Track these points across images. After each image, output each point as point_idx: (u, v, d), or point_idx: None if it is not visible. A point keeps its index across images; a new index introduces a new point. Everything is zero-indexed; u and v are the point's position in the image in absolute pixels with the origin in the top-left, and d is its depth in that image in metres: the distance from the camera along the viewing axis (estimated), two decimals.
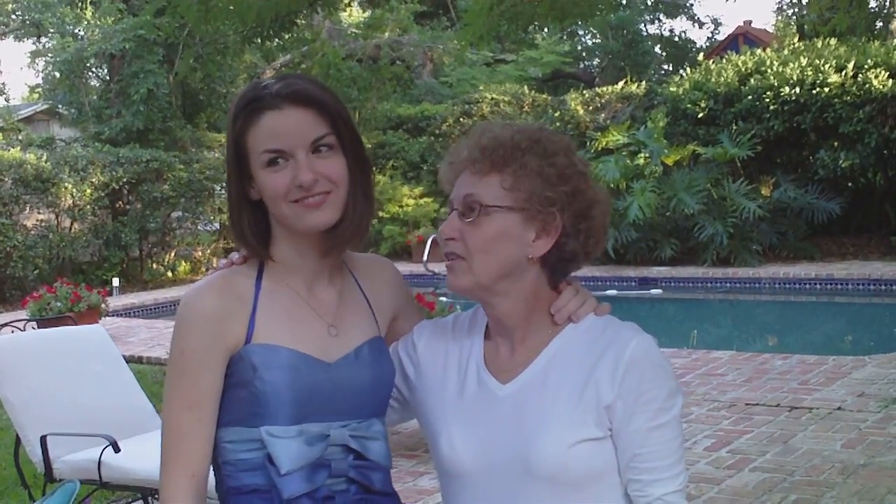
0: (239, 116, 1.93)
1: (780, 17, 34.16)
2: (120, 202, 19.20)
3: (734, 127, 16.75)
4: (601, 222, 1.95)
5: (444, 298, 7.12)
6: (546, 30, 29.56)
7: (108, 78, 22.20)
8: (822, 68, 16.19)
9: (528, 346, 1.95)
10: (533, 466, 1.85)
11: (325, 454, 1.91)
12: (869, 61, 15.96)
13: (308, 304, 1.99)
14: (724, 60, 18.38)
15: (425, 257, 14.75)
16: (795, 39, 19.63)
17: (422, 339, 2.09)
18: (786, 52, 17.89)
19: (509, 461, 1.88)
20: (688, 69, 20.49)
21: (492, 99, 22.17)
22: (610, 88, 20.50)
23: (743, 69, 17.37)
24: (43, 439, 5.03)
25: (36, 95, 34.88)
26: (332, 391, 1.93)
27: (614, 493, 1.88)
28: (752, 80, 16.92)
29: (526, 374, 1.93)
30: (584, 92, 21.17)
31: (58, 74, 22.91)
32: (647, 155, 16.81)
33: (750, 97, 16.72)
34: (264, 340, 1.92)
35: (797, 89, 16.17)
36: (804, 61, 16.53)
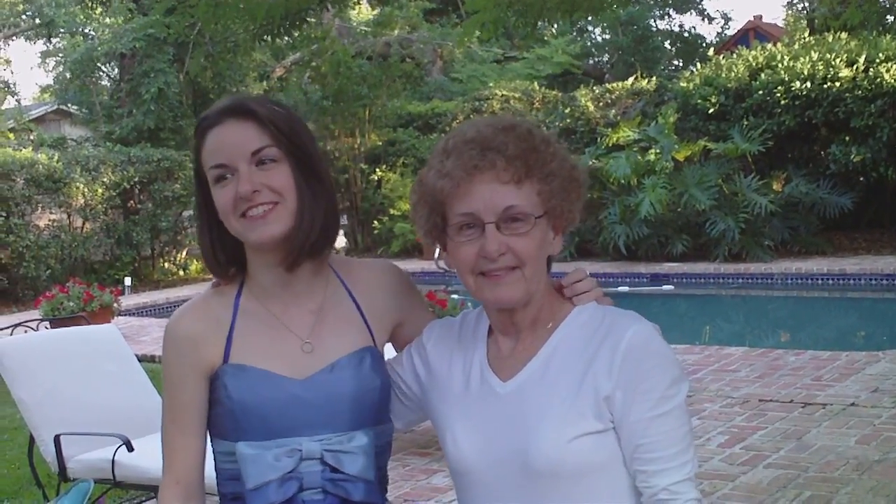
0: (195, 139, 2.01)
1: (790, 12, 34.04)
2: (131, 201, 19.25)
3: (745, 122, 16.70)
4: (582, 203, 1.97)
5: (455, 296, 7.11)
6: (556, 27, 29.54)
7: (118, 77, 22.25)
8: (833, 63, 16.14)
9: (529, 342, 1.95)
10: (533, 463, 1.84)
11: (298, 468, 1.95)
12: (880, 55, 15.89)
13: (281, 321, 2.04)
14: (735, 55, 18.33)
15: (436, 254, 14.79)
16: (806, 34, 19.57)
17: (430, 339, 2.09)
18: (796, 46, 17.83)
19: (510, 458, 1.88)
20: (698, 64, 20.46)
21: (502, 96, 22.15)
22: (620, 84, 20.45)
23: (753, 64, 17.32)
24: (57, 439, 5.04)
25: (47, 95, 35.00)
26: (305, 407, 1.97)
27: (621, 485, 1.87)
28: (762, 75, 16.87)
29: (526, 371, 1.93)
30: (595, 88, 21.12)
31: (68, 74, 22.98)
32: (657, 151, 16.77)
33: (761, 92, 16.67)
34: (237, 360, 2.00)
35: (808, 84, 16.11)
36: (815, 56, 16.47)
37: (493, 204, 1.84)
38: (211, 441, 2.05)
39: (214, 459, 2.05)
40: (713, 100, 17.20)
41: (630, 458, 1.85)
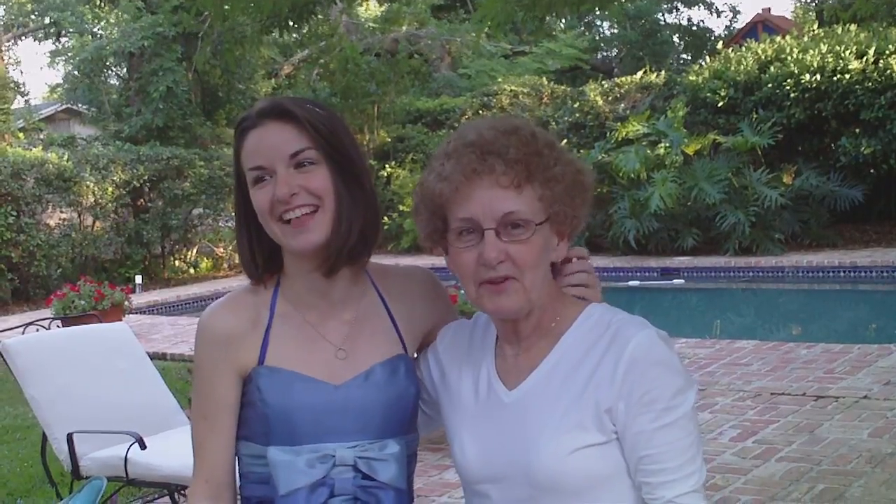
0: (235, 140, 1.98)
1: (798, 4, 33.99)
2: (141, 200, 19.28)
3: (755, 115, 16.66)
4: (588, 206, 1.92)
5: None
6: (564, 21, 29.46)
7: (127, 76, 22.29)
8: (842, 55, 16.09)
9: (535, 350, 1.91)
10: (533, 475, 1.81)
11: (329, 474, 1.93)
12: (890, 47, 15.83)
13: (317, 329, 2.01)
14: (744, 48, 18.28)
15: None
16: (815, 26, 19.49)
17: (443, 341, 2.07)
18: (805, 38, 17.79)
19: (512, 469, 1.85)
20: (707, 58, 20.39)
21: (510, 91, 22.12)
22: (629, 78, 20.42)
23: (762, 57, 17.28)
24: (69, 437, 5.06)
25: (56, 95, 35.06)
26: (339, 413, 1.95)
27: (627, 497, 1.82)
28: (771, 68, 16.83)
29: (531, 380, 1.89)
30: (604, 82, 21.10)
31: (77, 73, 23.02)
32: (667, 145, 16.74)
33: (770, 85, 16.63)
34: (273, 363, 1.97)
35: (818, 76, 16.07)
36: (824, 48, 16.43)
37: (492, 209, 1.79)
38: (237, 443, 2.02)
39: (239, 462, 2.03)
40: (722, 93, 17.16)
41: (634, 470, 1.80)
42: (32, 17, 26.72)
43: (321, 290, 2.01)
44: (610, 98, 19.79)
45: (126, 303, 12.02)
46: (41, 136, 24.12)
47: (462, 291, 7.09)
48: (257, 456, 1.97)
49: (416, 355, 2.11)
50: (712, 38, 36.57)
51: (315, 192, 1.91)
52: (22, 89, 27.88)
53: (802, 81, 16.18)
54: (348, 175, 1.95)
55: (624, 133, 17.46)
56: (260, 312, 2.01)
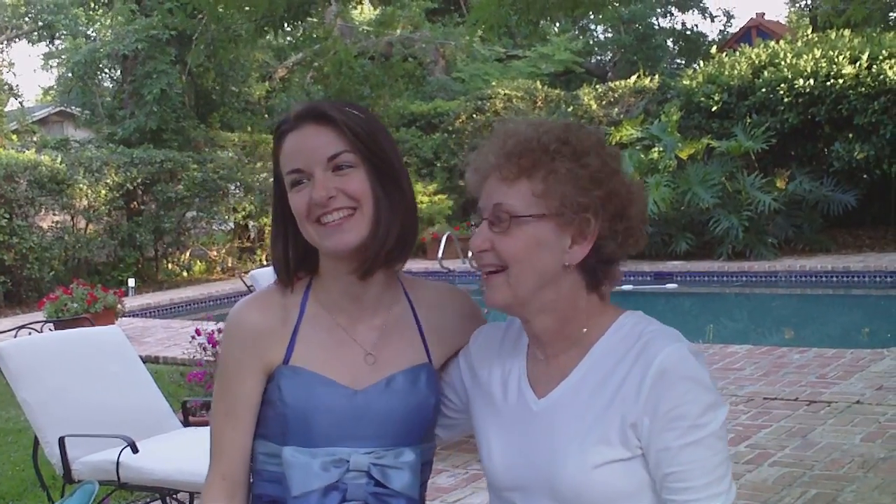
0: (274, 143, 1.98)
1: (792, 9, 34.02)
2: (134, 203, 19.27)
3: (748, 120, 16.70)
4: (639, 220, 1.86)
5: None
6: (558, 25, 29.51)
7: (120, 79, 22.27)
8: (836, 60, 16.12)
9: (564, 358, 1.88)
10: (558, 488, 1.79)
11: (343, 479, 1.92)
12: (883, 52, 15.87)
13: (347, 332, 2.01)
14: (738, 53, 18.31)
15: (440, 254, 14.80)
16: (809, 31, 19.52)
17: (476, 343, 2.05)
18: (799, 43, 17.81)
19: (537, 480, 1.83)
20: (701, 62, 20.43)
21: (504, 94, 22.13)
22: (623, 83, 20.45)
23: (756, 62, 17.31)
24: (61, 440, 5.04)
25: (49, 97, 35.02)
26: (357, 418, 1.95)
27: None
28: (765, 73, 16.86)
29: (559, 389, 1.86)
30: (597, 86, 21.12)
31: (71, 76, 22.99)
32: (661, 149, 16.77)
33: (764, 90, 16.66)
34: (297, 363, 1.97)
35: (811, 81, 16.10)
36: (818, 53, 16.46)
37: (489, 200, 1.83)
38: (254, 440, 2.02)
39: (253, 459, 2.02)
40: (716, 98, 17.19)
41: (660, 486, 1.76)
42: (26, 19, 26.67)
43: (354, 293, 2.00)
44: (604, 102, 19.82)
45: (119, 306, 12.01)
46: (34, 139, 24.06)
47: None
48: (272, 455, 1.97)
49: (440, 367, 2.09)
50: (706, 42, 36.63)
51: (353, 196, 1.90)
52: (15, 92, 27.79)
53: (796, 86, 16.22)
54: (386, 178, 1.95)
55: (618, 137, 17.47)
56: (290, 312, 2.01)
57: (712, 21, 48.24)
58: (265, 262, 19.71)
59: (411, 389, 1.99)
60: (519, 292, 1.82)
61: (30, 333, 9.23)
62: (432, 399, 2.02)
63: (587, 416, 1.80)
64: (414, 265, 15.98)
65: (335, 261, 1.97)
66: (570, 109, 19.69)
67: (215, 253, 20.53)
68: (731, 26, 39.22)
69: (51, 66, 32.63)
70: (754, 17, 32.21)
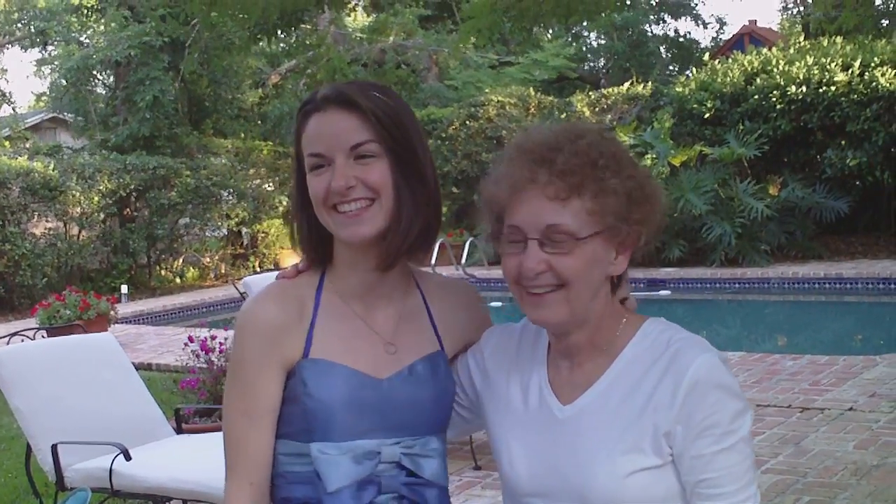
0: (297, 121, 1.94)
1: (785, 16, 34.17)
2: (127, 209, 19.27)
3: (741, 127, 16.71)
4: (662, 222, 1.87)
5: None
6: (551, 32, 29.55)
7: (113, 85, 22.27)
8: (828, 67, 16.16)
9: (590, 366, 1.87)
10: (587, 496, 1.78)
11: (375, 471, 1.89)
12: (875, 59, 15.92)
13: (365, 321, 1.97)
14: (730, 60, 18.35)
15: (463, 260, 14.81)
16: (801, 38, 19.60)
17: (489, 345, 2.03)
18: (792, 51, 17.86)
19: (564, 487, 1.82)
20: (693, 69, 20.47)
21: (497, 101, 22.15)
22: (616, 89, 20.48)
23: (749, 69, 17.34)
24: (54, 448, 5.03)
25: (42, 104, 34.97)
26: (384, 408, 1.91)
27: None
28: (758, 80, 16.90)
29: (587, 397, 1.85)
30: (590, 93, 21.16)
31: (64, 82, 22.98)
32: (653, 156, 16.78)
33: (756, 97, 16.69)
34: (318, 356, 1.91)
35: (804, 88, 16.14)
36: (810, 60, 16.50)
37: (536, 220, 1.76)
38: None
39: (274, 461, 1.94)
40: (709, 104, 17.22)
41: (690, 493, 1.77)
42: (19, 25, 26.65)
43: (370, 282, 1.96)
44: (597, 109, 19.85)
45: (112, 313, 12.01)
46: (27, 145, 24.06)
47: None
48: (297, 454, 1.90)
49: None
50: (699, 49, 36.71)
51: (373, 186, 1.86)
52: (8, 98, 27.79)
53: (788, 93, 16.25)
54: (410, 169, 1.90)
55: None
56: (305, 304, 1.95)
57: (705, 28, 48.41)
58: (258, 269, 19.73)
59: (432, 377, 1.96)
60: (577, 308, 1.80)
61: (22, 340, 9.21)
62: (451, 387, 2.00)
63: (616, 423, 1.80)
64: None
65: (356, 251, 1.93)
66: (563, 116, 19.71)
67: (208, 259, 20.52)
68: (723, 33, 39.34)
69: (44, 73, 32.62)
70: (747, 24, 32.28)
